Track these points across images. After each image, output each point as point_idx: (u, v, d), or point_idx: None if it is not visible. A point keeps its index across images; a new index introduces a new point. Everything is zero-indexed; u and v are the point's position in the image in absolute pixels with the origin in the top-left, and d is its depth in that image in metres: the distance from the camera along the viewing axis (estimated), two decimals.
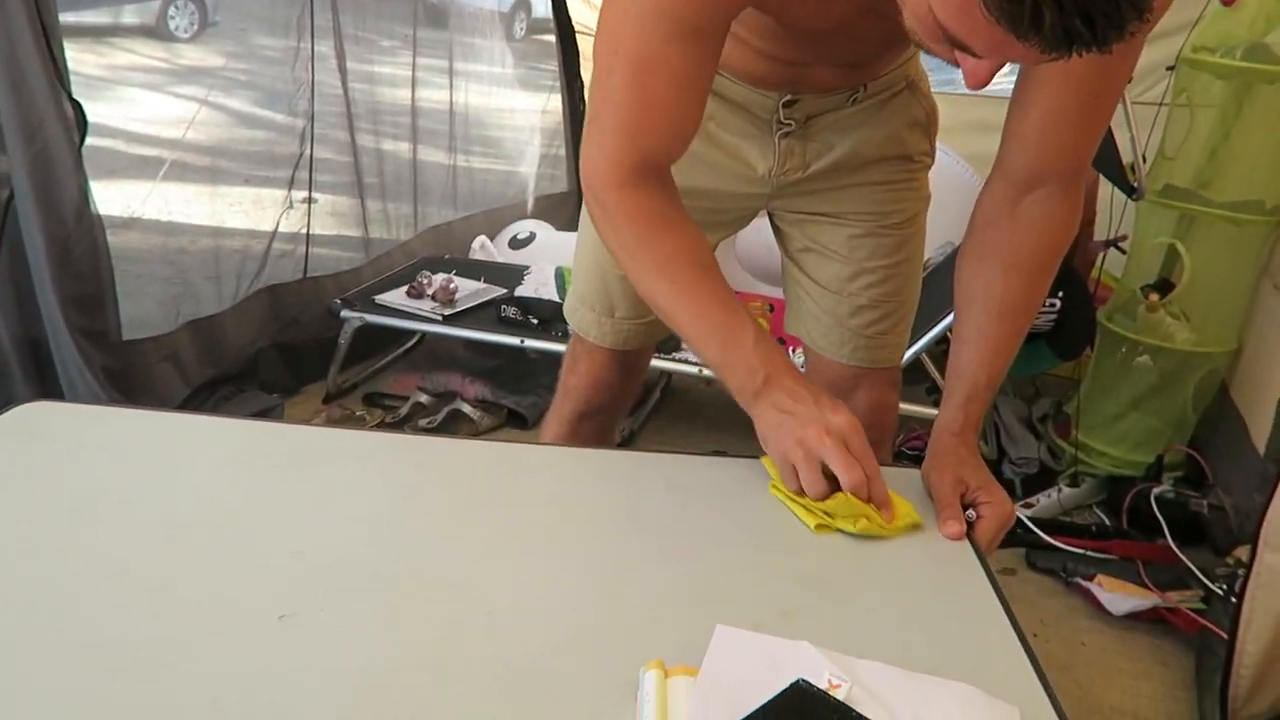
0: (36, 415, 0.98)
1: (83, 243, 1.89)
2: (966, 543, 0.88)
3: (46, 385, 1.93)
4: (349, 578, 0.75)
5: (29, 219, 1.80)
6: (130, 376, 2.05)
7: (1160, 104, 2.38)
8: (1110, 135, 2.05)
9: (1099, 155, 2.11)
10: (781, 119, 1.13)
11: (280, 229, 2.63)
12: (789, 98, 1.11)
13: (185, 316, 2.32)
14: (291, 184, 2.67)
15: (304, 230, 2.70)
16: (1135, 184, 2.13)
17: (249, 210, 2.60)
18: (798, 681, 0.62)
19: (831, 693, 0.61)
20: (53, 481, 0.86)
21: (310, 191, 2.71)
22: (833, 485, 0.87)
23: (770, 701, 0.60)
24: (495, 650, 0.68)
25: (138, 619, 0.68)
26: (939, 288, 2.41)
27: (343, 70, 2.78)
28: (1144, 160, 2.20)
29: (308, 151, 2.68)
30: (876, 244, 1.21)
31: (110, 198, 2.14)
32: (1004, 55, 0.69)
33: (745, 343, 0.94)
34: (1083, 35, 0.62)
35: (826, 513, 0.86)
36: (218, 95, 2.49)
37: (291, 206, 2.65)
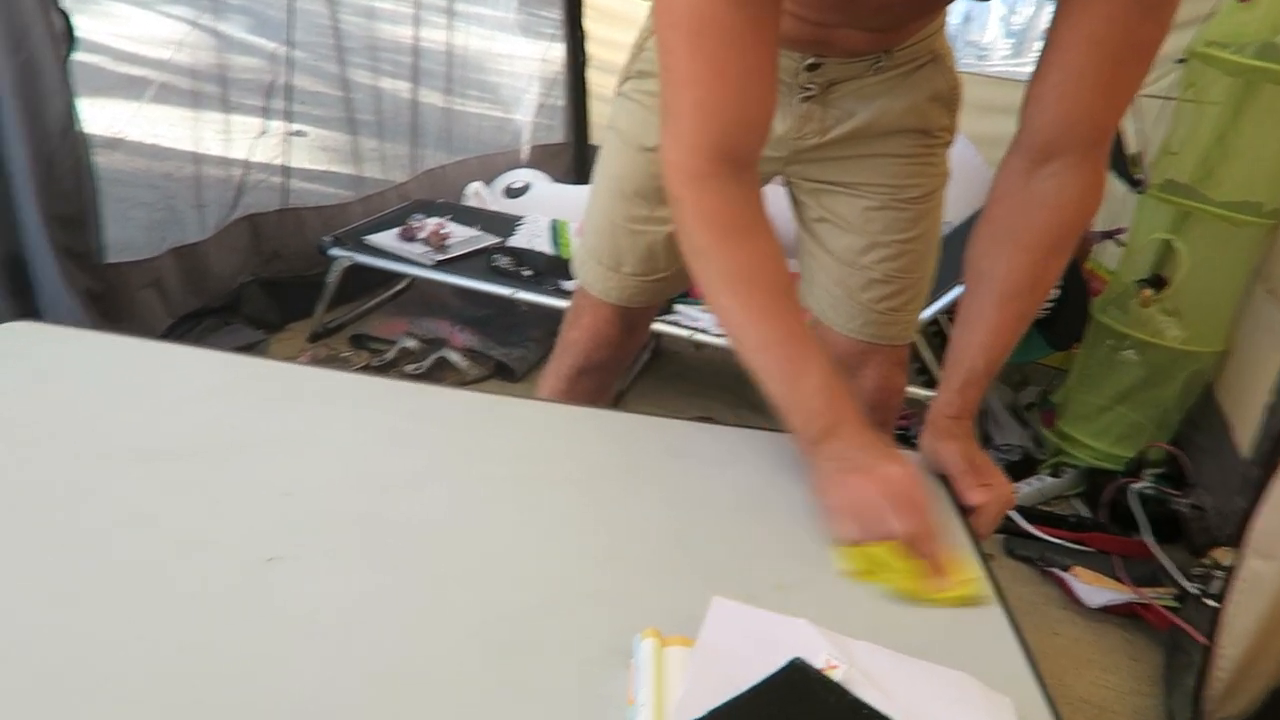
0: (19, 335, 0.95)
1: (67, 160, 1.83)
2: (961, 526, 0.87)
3: (25, 305, 1.88)
4: (338, 523, 0.73)
5: (12, 132, 1.74)
6: (113, 301, 2.00)
7: (1168, 98, 2.35)
8: None
9: None
10: (804, 83, 1.11)
11: (261, 158, 2.57)
12: (812, 61, 1.09)
13: (170, 243, 2.27)
14: (276, 113, 2.60)
15: (281, 161, 2.64)
16: (1139, 176, 2.11)
17: (234, 137, 2.54)
18: (794, 660, 0.60)
19: (828, 673, 0.60)
20: (34, 404, 0.83)
21: (288, 121, 2.64)
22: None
23: (767, 679, 0.58)
24: (485, 605, 0.66)
25: (118, 551, 0.66)
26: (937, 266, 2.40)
27: (333, 0, 2.70)
28: (1147, 153, 2.18)
29: (292, 81, 2.61)
30: (892, 218, 1.19)
31: (96, 116, 2.08)
32: None
33: (810, 383, 0.88)
34: None
35: (873, 563, 0.78)
36: (208, 18, 2.41)
37: (264, 134, 2.58)
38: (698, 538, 0.80)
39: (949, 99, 1.17)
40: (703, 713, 0.55)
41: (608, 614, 0.67)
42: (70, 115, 1.84)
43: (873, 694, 0.59)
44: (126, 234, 2.19)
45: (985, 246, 0.97)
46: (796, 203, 1.26)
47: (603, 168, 1.27)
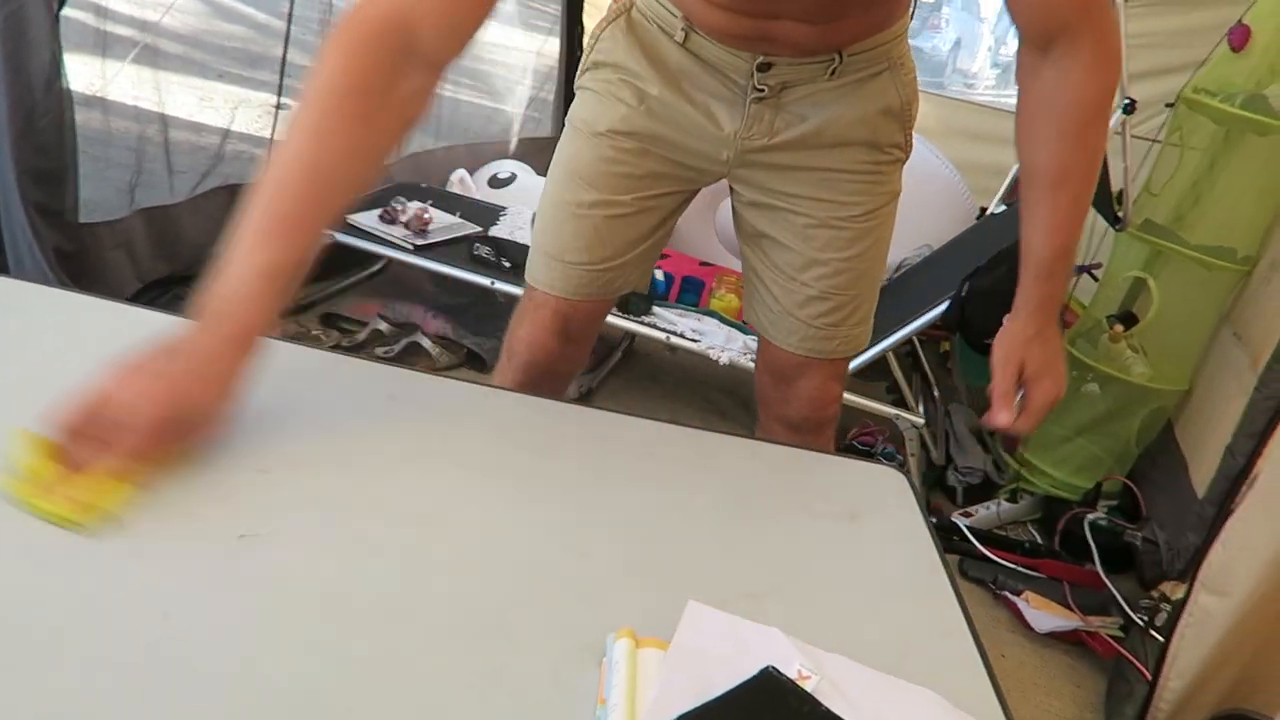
0: None
1: (49, 115, 1.79)
2: (932, 544, 0.88)
3: None
4: (313, 504, 0.72)
5: None
6: (82, 261, 1.96)
7: (1154, 140, 2.40)
8: (1103, 162, 2.07)
9: None
10: (756, 84, 1.11)
11: (246, 130, 2.54)
12: (763, 60, 1.09)
13: (139, 204, 2.23)
14: (263, 85, 2.57)
15: (269, 134, 2.61)
16: (1120, 214, 2.15)
17: (217, 106, 2.51)
18: (767, 668, 0.61)
19: (800, 683, 0.60)
20: (7, 363, 0.81)
21: (277, 94, 2.61)
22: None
23: (741, 685, 0.59)
24: (458, 594, 0.66)
25: None
26: (913, 289, 2.43)
27: None
28: (1130, 192, 2.23)
29: (282, 54, 2.58)
30: (831, 236, 1.19)
31: (75, 72, 2.04)
32: None
33: (249, 269, 0.76)
34: None
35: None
36: None
37: (248, 104, 2.55)
38: (671, 540, 0.80)
39: (901, 114, 1.17)
40: (674, 716, 0.55)
41: (580, 611, 0.67)
42: (56, 69, 1.80)
43: (843, 706, 0.60)
44: (100, 194, 2.15)
45: (1023, 139, 1.02)
46: (737, 217, 1.27)
47: (556, 158, 1.27)
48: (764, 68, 1.10)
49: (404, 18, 0.81)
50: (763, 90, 1.11)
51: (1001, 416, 0.96)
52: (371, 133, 0.82)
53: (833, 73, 1.10)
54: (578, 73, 1.25)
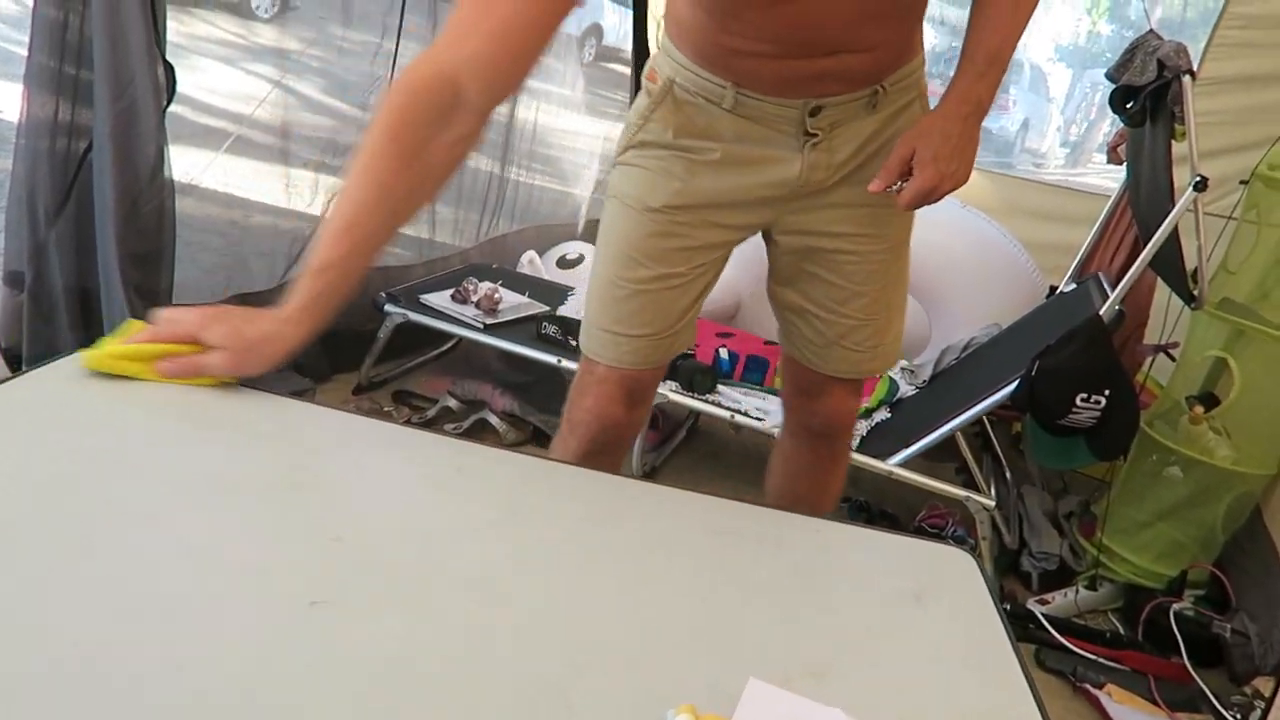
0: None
1: (152, 203, 1.91)
2: (1001, 627, 0.86)
3: (91, 335, 1.94)
4: (384, 572, 0.74)
5: (103, 172, 1.83)
6: None
7: (1229, 217, 2.36)
8: (1176, 240, 2.04)
9: (1161, 258, 2.08)
10: (809, 129, 1.16)
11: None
12: (814, 105, 1.14)
13: (234, 289, 2.34)
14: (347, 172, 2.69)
15: None
16: (1195, 292, 2.11)
17: (304, 193, 2.63)
18: None
19: None
20: (96, 433, 0.86)
21: None
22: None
23: None
24: (522, 664, 0.67)
25: (168, 581, 0.68)
26: (982, 368, 2.40)
27: None
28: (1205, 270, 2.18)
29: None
30: (872, 271, 1.27)
31: (174, 162, 2.17)
32: None
33: (335, 250, 0.95)
34: None
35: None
36: (290, 78, 2.53)
37: (336, 192, 2.67)
38: (733, 615, 0.80)
39: None
40: None
41: (641, 684, 0.67)
42: (161, 161, 1.93)
43: None
44: (192, 277, 2.26)
45: None
46: (776, 262, 1.33)
47: (604, 236, 1.31)
48: (815, 112, 1.15)
49: (452, 75, 0.92)
50: (815, 134, 1.17)
51: (873, 184, 1.05)
52: (408, 174, 0.94)
53: (874, 105, 1.16)
54: (619, 149, 1.29)
